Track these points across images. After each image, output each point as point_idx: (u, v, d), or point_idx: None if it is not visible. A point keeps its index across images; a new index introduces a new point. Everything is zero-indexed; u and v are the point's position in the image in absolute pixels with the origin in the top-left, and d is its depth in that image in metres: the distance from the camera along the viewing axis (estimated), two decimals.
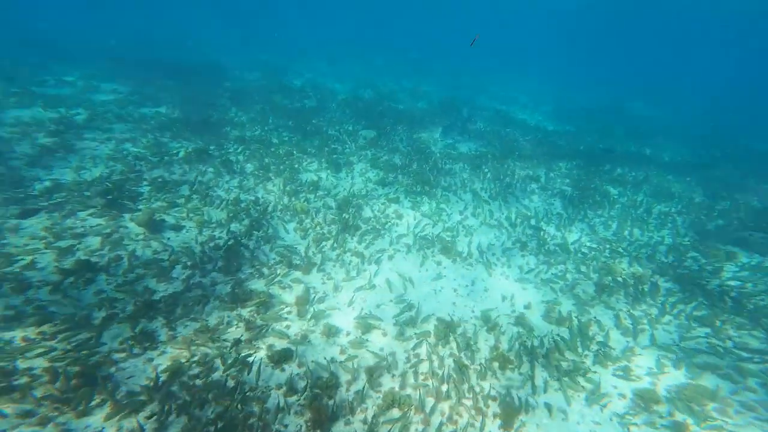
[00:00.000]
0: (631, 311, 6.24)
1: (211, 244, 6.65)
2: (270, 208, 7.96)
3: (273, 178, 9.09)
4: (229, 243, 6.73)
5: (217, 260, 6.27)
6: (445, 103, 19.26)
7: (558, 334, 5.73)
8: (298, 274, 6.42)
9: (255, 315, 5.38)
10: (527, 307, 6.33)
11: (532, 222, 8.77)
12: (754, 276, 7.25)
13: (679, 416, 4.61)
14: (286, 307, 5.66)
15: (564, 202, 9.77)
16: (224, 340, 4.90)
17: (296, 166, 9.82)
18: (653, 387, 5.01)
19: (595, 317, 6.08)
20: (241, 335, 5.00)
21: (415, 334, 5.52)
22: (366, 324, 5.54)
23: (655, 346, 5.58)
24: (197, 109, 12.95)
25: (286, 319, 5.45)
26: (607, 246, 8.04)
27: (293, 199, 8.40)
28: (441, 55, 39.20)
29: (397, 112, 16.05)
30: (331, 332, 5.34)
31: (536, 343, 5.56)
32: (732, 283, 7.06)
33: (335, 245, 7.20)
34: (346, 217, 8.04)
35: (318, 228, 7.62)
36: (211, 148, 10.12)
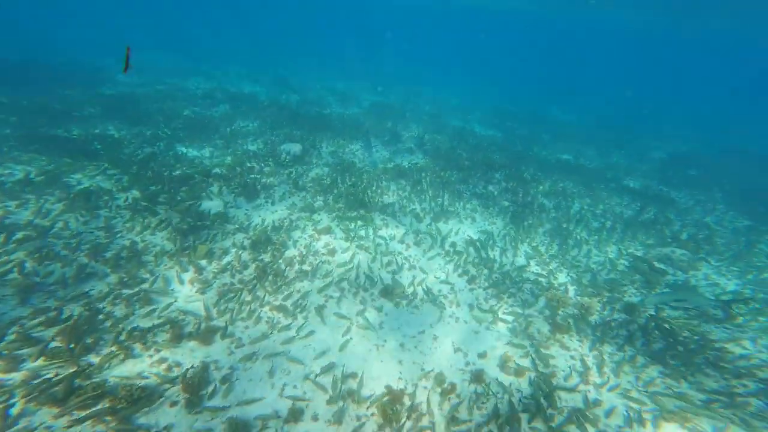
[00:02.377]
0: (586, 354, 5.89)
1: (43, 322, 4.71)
2: (153, 256, 6.15)
3: (162, 211, 7.20)
4: (76, 317, 4.86)
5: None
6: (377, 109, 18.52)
7: (520, 391, 5.07)
8: (191, 344, 4.85)
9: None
10: (482, 356, 5.60)
11: (478, 249, 8.24)
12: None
13: None
14: (167, 397, 4.08)
15: (506, 221, 9.49)
16: None
17: (197, 193, 8.00)
18: None
19: (555, 366, 5.57)
20: None
21: (357, 414, 4.38)
22: (293, 409, 4.24)
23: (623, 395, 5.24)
24: (46, 122, 10.16)
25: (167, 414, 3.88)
26: (553, 269, 7.81)
27: (192, 239, 6.65)
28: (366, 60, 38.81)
29: (324, 120, 14.79)
30: (240, 428, 3.93)
31: (495, 406, 4.81)
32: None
33: (248, 299, 5.73)
34: (265, 258, 6.59)
35: (226, 276, 6.05)
36: (71, 176, 7.78)
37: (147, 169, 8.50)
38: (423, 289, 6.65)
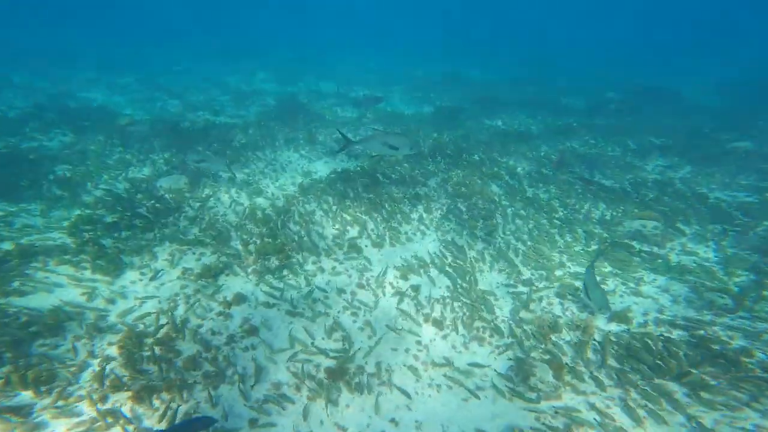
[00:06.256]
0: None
1: None
2: None
3: None
4: None
5: None
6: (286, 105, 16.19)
7: None
8: None
9: None
10: None
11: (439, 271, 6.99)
12: None
13: None
14: None
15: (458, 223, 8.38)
16: None
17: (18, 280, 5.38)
18: None
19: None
20: None
21: None
22: None
23: None
24: None
25: None
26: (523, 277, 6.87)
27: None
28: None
29: (218, 130, 12.16)
30: None
31: None
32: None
33: None
34: (146, 371, 4.47)
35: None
36: None
37: None
38: (384, 361, 5.18)
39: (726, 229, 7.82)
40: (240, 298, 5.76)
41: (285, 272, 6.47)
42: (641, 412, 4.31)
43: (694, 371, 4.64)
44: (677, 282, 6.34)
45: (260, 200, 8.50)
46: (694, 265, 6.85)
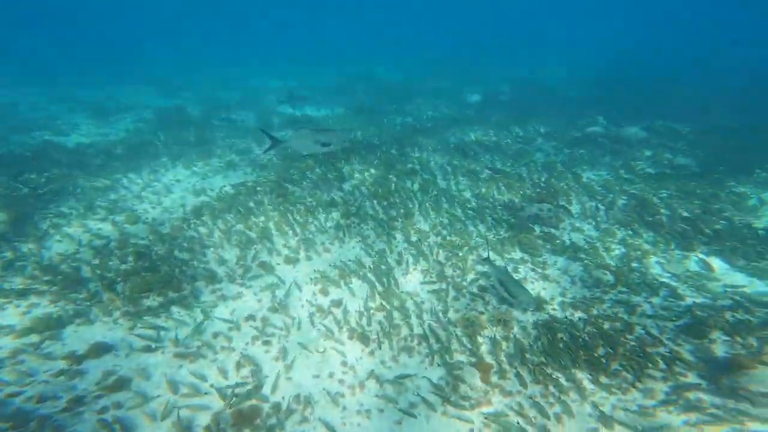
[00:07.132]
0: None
1: None
2: None
3: None
4: None
5: None
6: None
7: None
8: None
9: None
10: None
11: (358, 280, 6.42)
12: None
13: None
14: None
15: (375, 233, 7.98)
16: None
17: None
18: None
19: None
20: None
21: None
22: None
23: None
24: None
25: None
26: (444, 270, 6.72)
27: None
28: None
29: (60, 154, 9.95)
30: None
31: None
32: None
33: None
34: None
35: None
36: None
37: None
38: (305, 392, 4.44)
39: (597, 206, 8.71)
40: (99, 349, 4.46)
41: (174, 308, 5.28)
42: (557, 408, 4.27)
43: (595, 355, 4.79)
44: (573, 262, 6.75)
45: (135, 228, 7.02)
46: (583, 243, 7.44)
